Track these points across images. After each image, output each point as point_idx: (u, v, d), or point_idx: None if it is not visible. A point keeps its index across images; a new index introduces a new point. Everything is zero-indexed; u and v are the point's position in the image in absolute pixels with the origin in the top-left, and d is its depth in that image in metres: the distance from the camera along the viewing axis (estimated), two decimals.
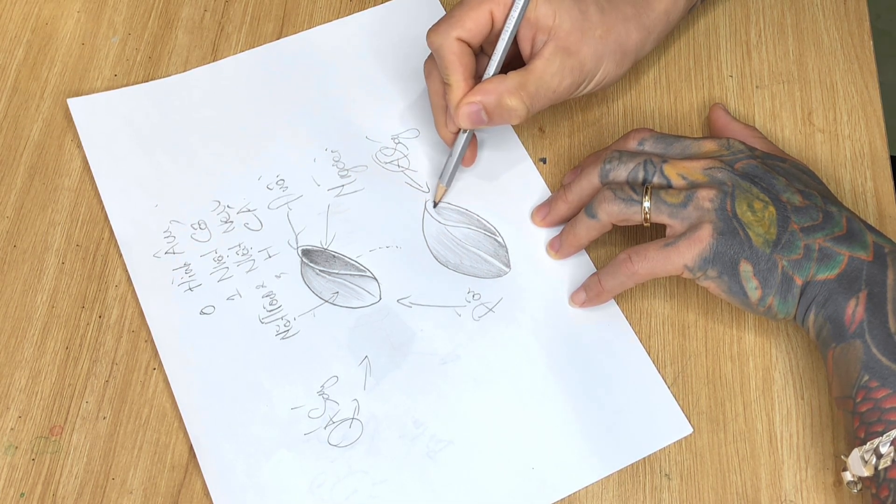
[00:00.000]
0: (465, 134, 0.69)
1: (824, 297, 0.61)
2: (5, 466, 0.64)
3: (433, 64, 0.70)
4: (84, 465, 0.64)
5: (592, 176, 0.68)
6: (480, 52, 0.70)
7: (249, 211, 0.72)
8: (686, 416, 0.65)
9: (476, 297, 0.69)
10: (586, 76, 0.68)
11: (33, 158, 0.74)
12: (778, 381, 0.66)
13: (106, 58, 0.78)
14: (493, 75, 0.68)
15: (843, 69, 0.77)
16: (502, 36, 0.67)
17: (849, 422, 0.60)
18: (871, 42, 0.78)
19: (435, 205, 0.72)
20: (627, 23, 0.69)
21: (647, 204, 0.64)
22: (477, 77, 0.68)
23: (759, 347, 0.67)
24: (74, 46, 0.79)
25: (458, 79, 0.67)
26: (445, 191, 0.72)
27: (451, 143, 0.71)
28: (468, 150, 0.71)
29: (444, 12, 0.79)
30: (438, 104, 0.70)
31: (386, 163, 0.74)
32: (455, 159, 0.70)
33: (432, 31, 0.67)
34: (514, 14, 0.66)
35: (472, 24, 0.66)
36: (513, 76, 0.67)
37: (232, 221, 0.72)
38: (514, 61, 0.69)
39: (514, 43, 0.68)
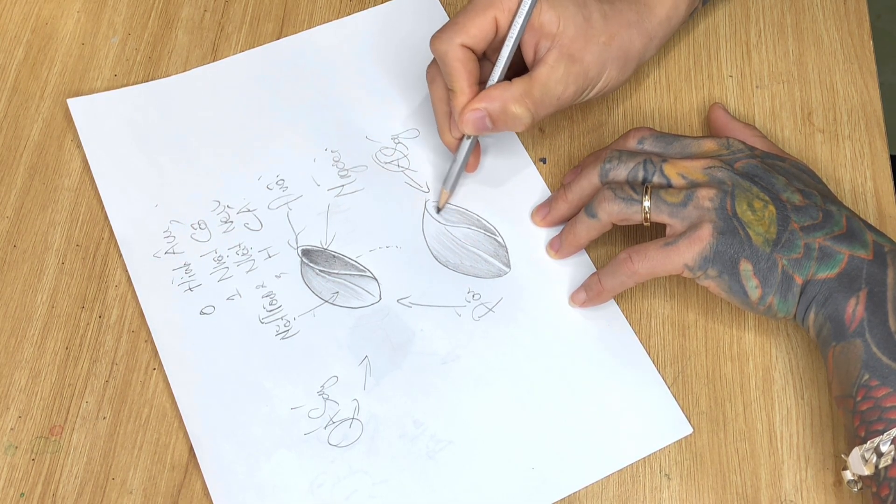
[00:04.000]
0: (469, 140, 0.69)
1: (824, 296, 0.61)
2: (5, 466, 0.64)
3: (436, 70, 0.69)
4: (84, 465, 0.64)
5: (592, 175, 0.68)
6: (483, 58, 0.69)
7: (249, 211, 0.72)
8: (686, 416, 0.65)
9: (476, 297, 0.69)
10: (590, 83, 0.68)
11: (33, 158, 0.74)
12: (778, 381, 0.66)
13: (106, 58, 0.78)
14: (497, 82, 0.67)
15: (843, 69, 0.77)
16: (507, 42, 0.67)
17: (849, 421, 0.60)
18: (871, 42, 0.78)
19: (438, 210, 0.72)
20: (630, 29, 0.68)
21: (647, 203, 0.64)
22: (481, 83, 0.68)
23: (759, 347, 0.67)
24: (74, 46, 0.79)
25: (462, 85, 0.66)
26: (449, 196, 0.71)
27: (455, 149, 0.70)
28: (472, 156, 0.71)
29: (444, 13, 0.79)
30: (442, 110, 0.70)
31: (386, 163, 0.74)
32: (459, 165, 0.70)
33: (436, 37, 0.67)
34: (519, 20, 0.66)
35: (476, 31, 0.66)
36: (517, 83, 0.66)
37: (232, 221, 0.72)
38: (515, 66, 0.69)
39: (517, 48, 0.68)
